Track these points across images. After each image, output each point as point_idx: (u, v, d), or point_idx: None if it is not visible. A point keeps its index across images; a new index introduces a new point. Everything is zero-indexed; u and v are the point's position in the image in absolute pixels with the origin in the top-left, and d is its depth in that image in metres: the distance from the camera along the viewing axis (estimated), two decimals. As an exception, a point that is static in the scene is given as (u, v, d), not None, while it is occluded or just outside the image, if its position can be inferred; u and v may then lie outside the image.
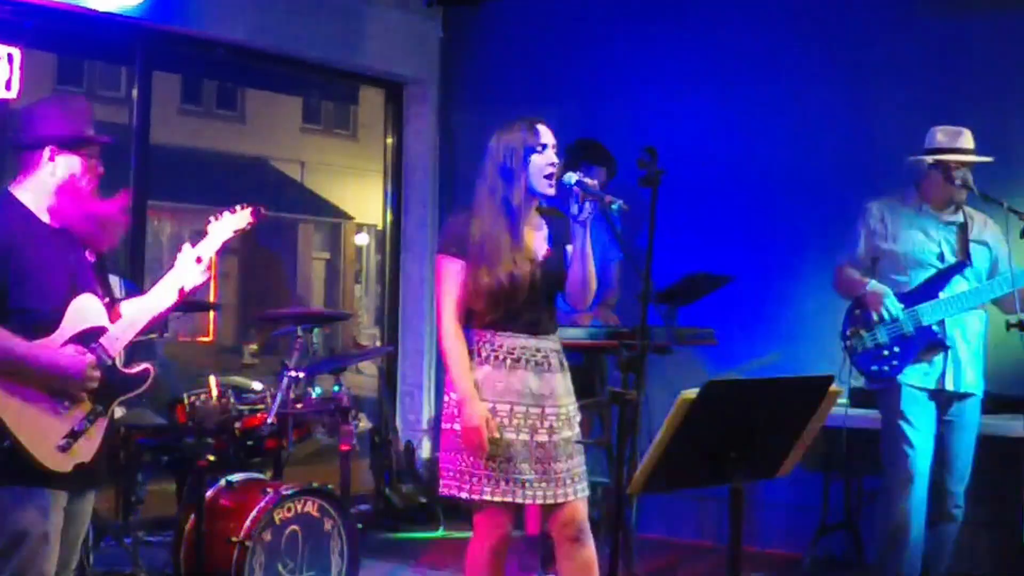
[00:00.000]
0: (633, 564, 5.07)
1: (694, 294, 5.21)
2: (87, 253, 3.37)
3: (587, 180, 3.56)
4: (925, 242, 4.59)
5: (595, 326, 5.17)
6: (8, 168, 3.63)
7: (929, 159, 4.55)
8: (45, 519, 3.19)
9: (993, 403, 4.81)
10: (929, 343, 4.52)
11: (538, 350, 3.68)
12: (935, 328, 4.50)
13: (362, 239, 22.35)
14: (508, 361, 3.65)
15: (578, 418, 3.75)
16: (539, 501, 3.65)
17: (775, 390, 2.91)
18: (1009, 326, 4.37)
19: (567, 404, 3.74)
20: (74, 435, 3.21)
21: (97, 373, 3.23)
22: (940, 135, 4.59)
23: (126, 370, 3.37)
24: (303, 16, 6.75)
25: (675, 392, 2.69)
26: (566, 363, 3.81)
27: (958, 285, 4.53)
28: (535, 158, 3.65)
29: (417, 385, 7.53)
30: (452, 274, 3.69)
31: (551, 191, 3.66)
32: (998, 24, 5.58)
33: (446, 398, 3.73)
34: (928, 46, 5.75)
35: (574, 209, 3.56)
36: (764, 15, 6.24)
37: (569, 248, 3.70)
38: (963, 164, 4.52)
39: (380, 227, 8.18)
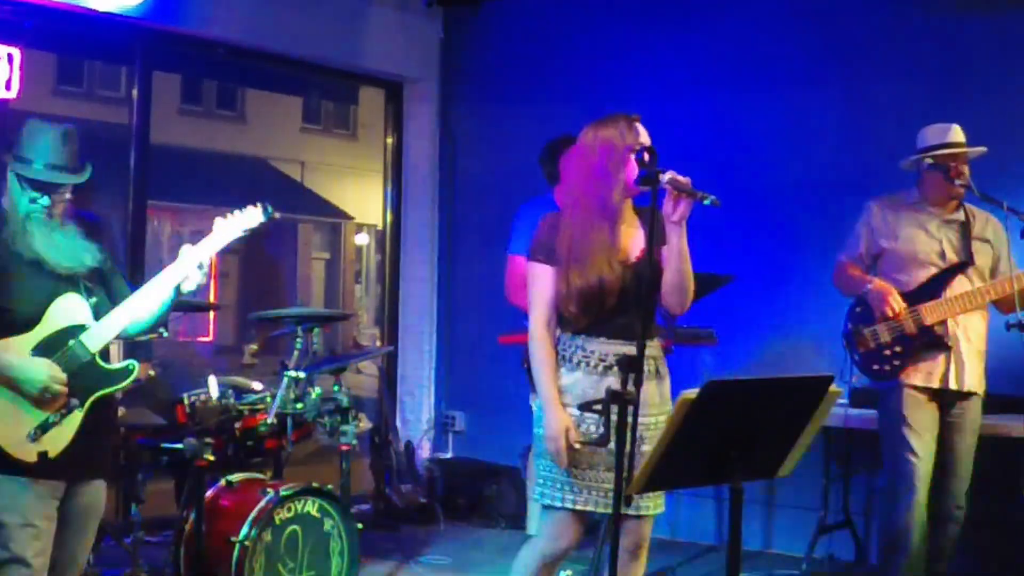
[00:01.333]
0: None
1: (694, 294, 5.19)
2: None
3: (679, 178, 3.33)
4: (927, 240, 4.58)
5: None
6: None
7: (928, 158, 4.55)
8: (24, 506, 3.23)
9: (993, 403, 4.80)
10: (931, 342, 4.51)
11: None
12: (937, 328, 4.50)
13: (362, 239, 22.35)
14: (600, 368, 3.52)
15: None
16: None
17: (775, 390, 2.91)
18: (1008, 326, 4.37)
19: (658, 414, 3.54)
20: (44, 427, 3.26)
21: (57, 386, 3.25)
22: (931, 134, 4.59)
23: (108, 365, 3.38)
24: (303, 16, 6.75)
25: (675, 392, 2.69)
26: (664, 370, 3.65)
27: (961, 285, 4.53)
28: (635, 158, 3.49)
29: (417, 385, 7.53)
30: (541, 280, 3.57)
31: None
32: (996, 24, 5.58)
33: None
34: (926, 46, 5.75)
35: (667, 208, 3.40)
36: (763, 16, 6.24)
37: (664, 249, 3.52)
38: (958, 158, 4.52)
39: (380, 227, 8.18)
